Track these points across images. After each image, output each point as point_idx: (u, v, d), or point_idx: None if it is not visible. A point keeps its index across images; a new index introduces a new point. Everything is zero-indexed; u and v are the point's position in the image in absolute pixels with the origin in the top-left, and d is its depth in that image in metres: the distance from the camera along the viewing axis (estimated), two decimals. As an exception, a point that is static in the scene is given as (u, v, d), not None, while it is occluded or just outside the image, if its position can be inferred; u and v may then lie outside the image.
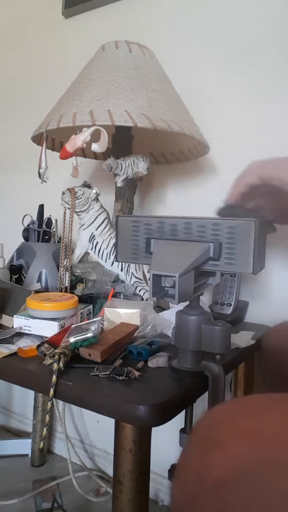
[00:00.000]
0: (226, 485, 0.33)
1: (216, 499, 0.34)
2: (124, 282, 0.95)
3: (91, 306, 0.82)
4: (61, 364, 0.57)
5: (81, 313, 0.78)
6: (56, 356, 0.58)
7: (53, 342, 0.63)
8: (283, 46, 0.98)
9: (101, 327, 0.72)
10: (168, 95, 0.89)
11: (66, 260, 0.91)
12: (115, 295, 0.86)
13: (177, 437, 0.68)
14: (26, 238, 1.02)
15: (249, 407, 0.40)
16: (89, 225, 0.95)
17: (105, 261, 0.96)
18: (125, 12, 1.24)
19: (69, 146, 0.81)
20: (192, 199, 1.11)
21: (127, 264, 0.94)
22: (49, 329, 0.70)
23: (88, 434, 1.36)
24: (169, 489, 1.14)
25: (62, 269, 0.91)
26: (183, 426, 0.68)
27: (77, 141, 0.80)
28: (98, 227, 0.96)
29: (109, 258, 0.95)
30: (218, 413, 0.41)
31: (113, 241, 0.95)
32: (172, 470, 0.70)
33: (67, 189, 0.93)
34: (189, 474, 0.37)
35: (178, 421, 0.60)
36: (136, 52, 0.91)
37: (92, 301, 0.84)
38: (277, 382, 0.75)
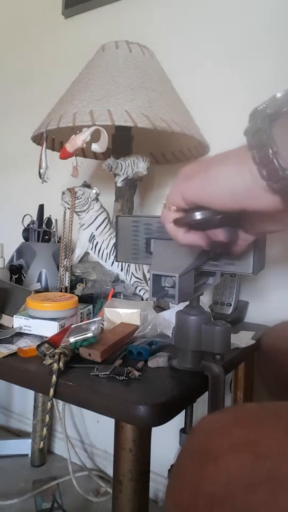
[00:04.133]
0: (222, 500, 0.32)
1: None
2: (124, 282, 0.95)
3: (91, 306, 0.82)
4: (61, 364, 0.57)
5: (81, 313, 0.78)
6: (56, 356, 0.58)
7: (53, 342, 0.63)
8: (284, 46, 0.98)
9: (101, 327, 0.72)
10: (168, 95, 0.89)
11: (66, 260, 0.91)
12: (115, 295, 0.86)
13: (177, 437, 0.68)
14: (26, 238, 1.02)
15: (243, 418, 0.39)
16: (89, 225, 0.95)
17: (105, 261, 0.96)
18: (125, 12, 1.24)
19: (69, 146, 0.81)
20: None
21: (127, 264, 0.94)
22: (49, 329, 0.70)
23: (88, 434, 1.36)
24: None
25: (62, 269, 0.91)
26: (183, 426, 0.68)
27: (77, 141, 0.80)
28: (98, 227, 0.96)
29: (109, 258, 0.95)
30: (212, 424, 0.40)
31: (113, 241, 0.95)
32: (172, 470, 0.70)
33: (67, 189, 0.93)
34: (184, 488, 0.36)
35: (178, 421, 0.60)
36: (136, 52, 0.91)
37: (92, 301, 0.84)
38: (276, 382, 0.75)
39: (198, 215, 0.42)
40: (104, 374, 0.56)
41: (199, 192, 0.40)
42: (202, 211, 0.42)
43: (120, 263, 0.95)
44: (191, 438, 0.41)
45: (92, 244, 0.96)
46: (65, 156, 0.83)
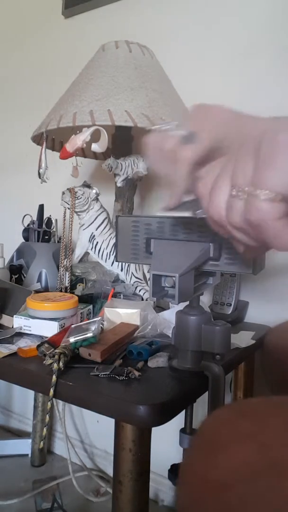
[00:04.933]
0: (229, 487, 0.34)
1: (219, 501, 0.34)
2: (124, 282, 0.95)
3: (91, 306, 0.82)
4: (61, 364, 0.57)
5: (81, 313, 0.78)
6: (56, 356, 0.58)
7: (53, 342, 0.63)
8: (283, 47, 0.98)
9: (101, 327, 0.72)
10: (168, 95, 0.89)
11: (66, 260, 0.91)
12: (115, 295, 0.86)
13: (177, 437, 0.68)
14: (26, 238, 1.02)
15: (249, 411, 0.40)
16: (89, 225, 0.95)
17: (105, 261, 0.96)
18: (125, 12, 1.24)
19: (69, 146, 0.81)
20: (192, 199, 1.11)
21: (127, 264, 0.94)
22: (49, 329, 0.70)
23: (88, 434, 1.36)
24: (172, 491, 1.14)
25: (62, 269, 0.91)
26: (183, 426, 0.68)
27: (77, 141, 0.80)
28: (98, 227, 0.96)
29: (109, 258, 0.95)
30: (219, 416, 0.41)
31: (113, 241, 0.95)
32: (172, 470, 0.70)
33: (67, 189, 0.93)
34: (194, 476, 0.38)
35: (178, 421, 0.60)
36: (136, 52, 0.91)
37: (92, 301, 0.84)
38: (279, 381, 0.75)
39: None
40: (104, 374, 0.56)
41: None
42: None
43: (120, 263, 0.95)
44: (201, 430, 0.42)
45: (92, 244, 0.96)
46: (65, 156, 0.83)
